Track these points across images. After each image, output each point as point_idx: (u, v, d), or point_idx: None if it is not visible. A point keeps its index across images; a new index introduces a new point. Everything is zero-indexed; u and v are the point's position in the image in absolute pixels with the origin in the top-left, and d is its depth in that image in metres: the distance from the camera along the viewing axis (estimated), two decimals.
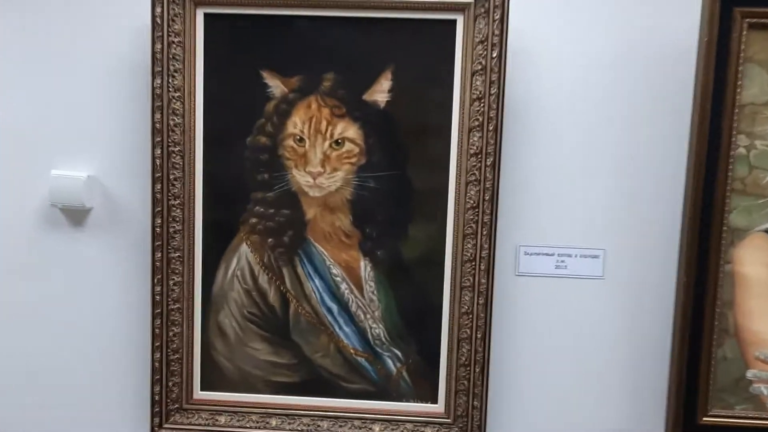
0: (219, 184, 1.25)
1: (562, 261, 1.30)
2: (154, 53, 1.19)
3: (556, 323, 1.30)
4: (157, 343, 1.26)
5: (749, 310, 1.24)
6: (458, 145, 1.20)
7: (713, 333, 1.24)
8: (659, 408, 1.29)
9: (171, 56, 1.19)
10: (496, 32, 1.15)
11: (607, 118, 1.25)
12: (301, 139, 1.23)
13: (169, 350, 1.27)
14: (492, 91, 1.17)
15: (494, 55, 1.16)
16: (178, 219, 1.24)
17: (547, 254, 1.29)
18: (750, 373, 1.25)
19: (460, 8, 1.17)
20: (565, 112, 1.26)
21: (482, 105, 1.18)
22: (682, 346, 1.24)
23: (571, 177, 1.27)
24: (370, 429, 1.27)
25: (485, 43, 1.17)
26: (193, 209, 1.25)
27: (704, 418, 1.26)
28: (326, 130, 1.22)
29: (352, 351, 1.28)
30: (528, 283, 1.30)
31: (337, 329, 1.28)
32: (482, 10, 1.16)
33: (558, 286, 1.30)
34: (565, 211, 1.28)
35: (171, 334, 1.27)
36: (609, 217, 1.28)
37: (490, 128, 1.18)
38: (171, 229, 1.24)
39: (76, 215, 1.30)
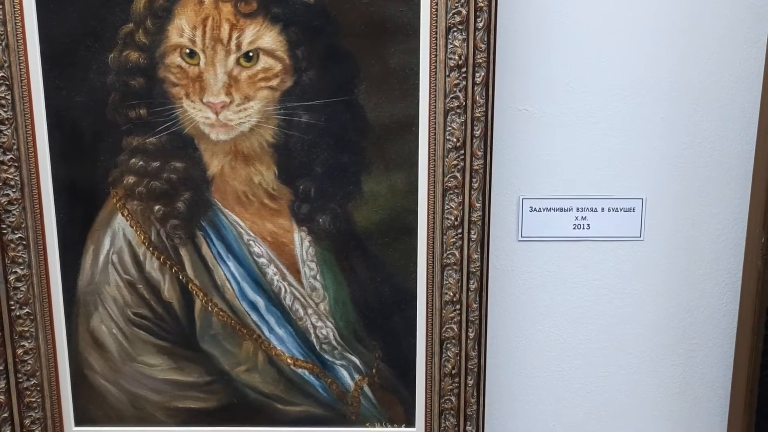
0: (72, 126, 0.83)
1: (584, 218, 0.92)
2: None
3: (576, 307, 0.93)
4: (0, 367, 0.86)
5: None
6: (431, 53, 0.80)
7: None
8: (720, 418, 0.95)
9: None
10: None
11: (658, 27, 0.85)
12: (192, 53, 0.81)
13: (19, 375, 0.87)
14: None
15: None
16: (12, 183, 0.82)
17: (561, 209, 0.91)
18: None
19: None
20: (577, 16, 0.85)
21: (462, 9, 0.77)
22: (751, 333, 0.89)
23: (598, 100, 0.87)
24: None
25: None
26: (36, 167, 0.83)
27: None
28: (229, 37, 0.80)
29: (289, 361, 0.90)
30: (536, 251, 0.92)
31: (266, 332, 0.89)
32: None
33: (578, 254, 0.92)
34: (586, 148, 0.89)
35: (21, 351, 0.86)
36: (650, 157, 0.89)
37: (479, 25, 0.77)
38: (4, 200, 0.83)
39: None
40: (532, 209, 0.92)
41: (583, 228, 0.92)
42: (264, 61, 0.81)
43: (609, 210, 0.92)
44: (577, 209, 0.92)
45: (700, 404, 0.96)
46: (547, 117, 0.88)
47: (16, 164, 0.82)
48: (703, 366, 0.95)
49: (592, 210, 0.92)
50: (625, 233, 0.92)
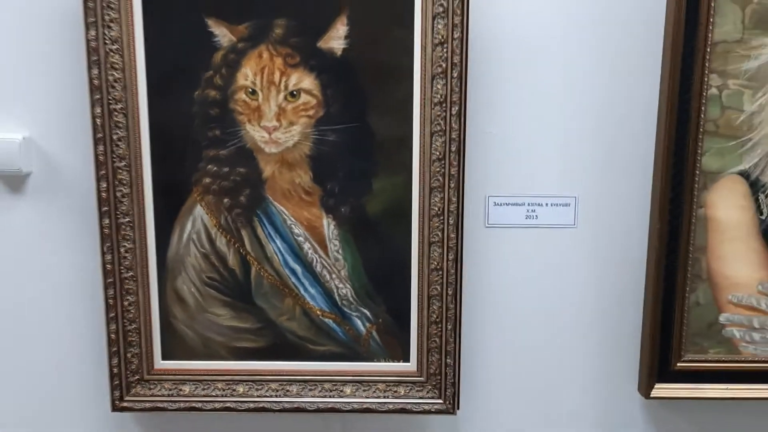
0: (167, 142, 1.16)
1: (533, 210, 1.25)
2: (85, 3, 1.09)
3: (528, 275, 1.26)
4: (112, 314, 1.19)
5: (722, 254, 1.22)
6: (421, 93, 1.13)
7: (686, 279, 1.22)
8: (633, 357, 1.28)
9: (105, 4, 1.09)
10: None
11: (577, 61, 1.19)
12: (254, 92, 1.15)
13: (125, 320, 1.20)
14: (455, 35, 1.10)
15: None
16: (125, 182, 1.16)
17: (516, 204, 1.25)
18: (723, 317, 1.24)
19: None
20: (534, 55, 1.19)
21: (445, 50, 1.11)
22: (656, 293, 1.22)
23: (541, 123, 1.21)
24: (341, 391, 1.23)
25: None
26: (141, 170, 1.16)
27: (678, 364, 1.25)
28: (280, 81, 1.14)
29: (318, 312, 1.23)
30: (498, 234, 1.25)
31: (302, 291, 1.22)
32: None
33: (529, 237, 1.25)
34: (534, 158, 1.23)
35: (126, 303, 1.20)
36: (580, 164, 1.23)
37: (455, 75, 1.11)
38: (118, 193, 1.16)
39: (13, 181, 1.20)
40: (495, 204, 1.25)
41: (533, 218, 1.26)
42: (304, 98, 1.15)
43: (551, 205, 1.25)
44: (528, 204, 1.25)
45: (619, 342, 1.29)
46: (506, 137, 1.22)
47: (128, 168, 1.16)
48: (619, 315, 1.28)
49: (539, 205, 1.25)
50: (563, 222, 1.25)
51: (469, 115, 1.16)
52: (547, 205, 1.25)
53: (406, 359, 1.24)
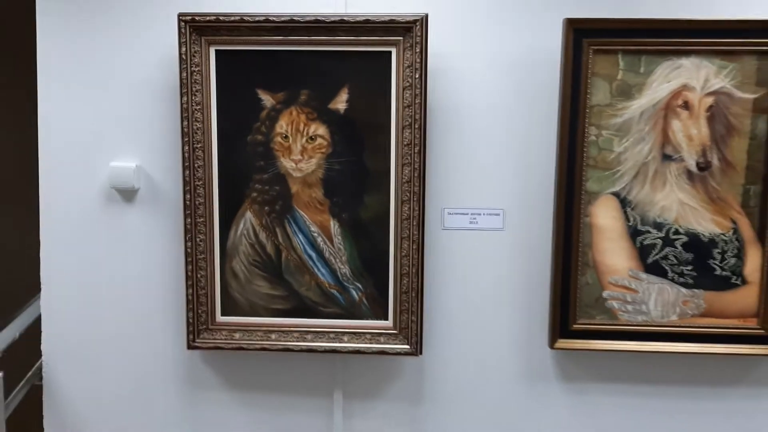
0: (229, 169, 1.76)
1: (474, 218, 1.82)
2: (181, 79, 1.71)
3: (471, 263, 1.83)
4: (190, 282, 1.79)
5: (603, 249, 1.77)
6: (396, 138, 1.72)
7: (578, 266, 1.77)
8: (544, 321, 1.82)
9: (193, 81, 1.71)
10: (418, 60, 1.67)
11: (502, 116, 1.77)
12: (286, 137, 1.74)
13: (198, 287, 1.80)
14: (417, 101, 1.69)
15: (417, 76, 1.67)
16: (201, 195, 1.76)
17: (463, 213, 1.82)
18: (606, 294, 1.79)
19: (394, 43, 1.68)
20: (472, 112, 1.78)
21: (411, 110, 1.70)
22: (558, 276, 1.77)
23: (479, 158, 1.79)
24: (341, 339, 1.81)
25: (411, 67, 1.68)
26: (212, 187, 1.76)
27: (574, 325, 1.79)
28: (303, 129, 1.74)
29: (327, 285, 1.81)
30: (451, 235, 1.82)
31: (316, 270, 1.80)
32: (408, 45, 1.67)
33: (472, 237, 1.82)
34: (475, 182, 1.80)
35: (199, 275, 1.80)
36: (505, 187, 1.80)
37: (417, 126, 1.70)
38: (197, 202, 1.76)
39: (128, 194, 1.82)
40: (449, 213, 1.82)
41: (475, 223, 1.82)
42: (319, 141, 1.74)
43: (487, 214, 1.81)
44: (471, 214, 1.82)
45: (534, 311, 1.83)
46: (456, 167, 1.79)
47: (203, 186, 1.75)
48: (534, 292, 1.82)
49: (479, 214, 1.82)
50: (495, 226, 1.81)
51: (428, 153, 1.75)
52: (484, 214, 1.82)
53: (386, 318, 1.81)
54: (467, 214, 1.82)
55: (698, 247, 1.75)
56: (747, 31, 1.66)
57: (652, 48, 1.68)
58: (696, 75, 1.69)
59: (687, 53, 1.68)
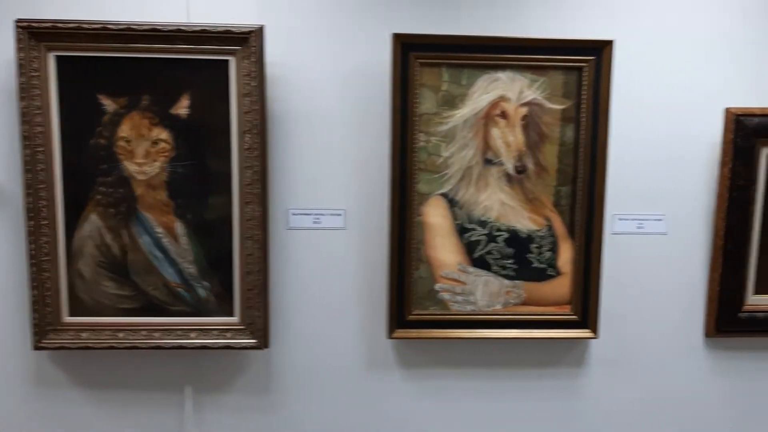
0: (73, 172, 1.80)
1: (318, 218, 1.93)
2: (20, 84, 1.72)
3: (315, 260, 1.94)
4: (35, 284, 1.81)
5: (434, 245, 1.92)
6: (237, 143, 1.81)
7: (412, 261, 1.92)
8: (383, 312, 1.96)
9: (32, 86, 1.73)
10: (254, 69, 1.76)
11: (340, 123, 1.89)
12: (129, 141, 1.79)
13: (43, 289, 1.82)
14: (255, 107, 1.78)
15: (254, 84, 1.77)
16: (44, 197, 1.78)
17: (306, 214, 1.93)
18: (438, 286, 1.94)
19: (232, 53, 1.77)
20: (314, 119, 1.89)
21: (251, 116, 1.79)
22: (393, 270, 1.91)
23: (321, 162, 1.90)
24: (189, 335, 1.87)
25: (249, 76, 1.77)
26: (54, 190, 1.79)
27: (410, 316, 1.94)
28: (146, 134, 1.79)
29: (174, 284, 1.87)
30: (296, 234, 1.93)
31: (163, 270, 1.86)
32: (246, 54, 1.76)
33: (316, 236, 1.93)
34: (318, 185, 1.92)
35: (43, 277, 1.82)
36: (346, 189, 1.92)
37: (256, 132, 1.79)
38: (40, 205, 1.78)
39: None
40: (293, 214, 1.92)
41: (319, 223, 1.93)
42: (162, 145, 1.80)
43: (329, 215, 1.93)
44: (315, 214, 1.93)
45: (374, 303, 1.97)
46: (299, 170, 1.90)
47: (46, 189, 1.78)
48: (373, 285, 1.95)
49: (322, 215, 1.93)
50: (337, 226, 1.93)
51: (271, 156, 1.84)
52: (326, 214, 1.93)
53: (233, 314, 1.89)
54: (311, 214, 1.93)
55: (518, 242, 1.94)
56: (554, 49, 1.85)
57: (472, 62, 1.84)
58: (511, 87, 1.87)
59: (503, 67, 1.86)
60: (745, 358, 2.05)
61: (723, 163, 1.93)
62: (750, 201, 1.95)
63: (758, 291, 2.00)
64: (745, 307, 2.00)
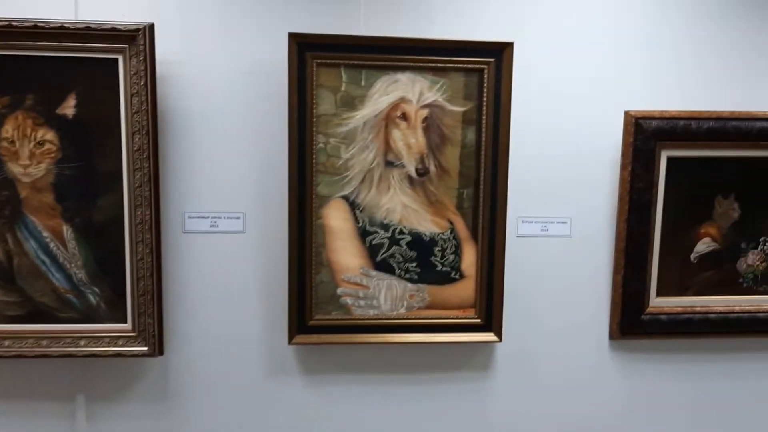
0: None
1: (215, 222, 1.88)
2: None
3: (213, 263, 1.89)
4: None
5: (336, 248, 1.89)
6: (126, 144, 1.75)
7: (313, 265, 1.88)
8: (284, 315, 1.91)
9: None
10: (142, 68, 1.70)
11: (239, 124, 1.85)
12: (13, 142, 1.72)
13: None
14: (144, 107, 1.72)
15: (143, 83, 1.71)
16: None
17: (204, 217, 1.88)
18: (340, 290, 1.91)
19: (120, 51, 1.71)
20: (210, 120, 1.84)
21: (140, 116, 1.73)
22: (293, 274, 1.87)
23: (219, 164, 1.86)
24: (78, 343, 1.81)
25: (138, 75, 1.71)
26: None
27: (311, 321, 1.90)
28: (31, 134, 1.73)
29: (63, 290, 1.80)
30: (192, 238, 1.88)
31: (51, 275, 1.79)
32: (134, 53, 1.71)
33: (214, 240, 1.88)
34: (216, 187, 1.87)
35: None
36: (245, 191, 1.88)
37: (145, 132, 1.74)
38: None
39: None
40: (189, 217, 1.87)
41: (216, 227, 1.88)
42: (47, 146, 1.73)
43: (227, 218, 1.88)
44: (212, 218, 1.88)
45: (275, 308, 1.92)
46: (196, 172, 1.85)
47: None
48: (273, 289, 1.91)
49: (220, 218, 1.88)
50: (236, 229, 1.89)
51: (166, 158, 1.79)
52: (224, 218, 1.88)
53: (125, 321, 1.83)
54: (208, 217, 1.88)
55: (421, 245, 1.91)
56: (454, 51, 1.83)
57: (371, 63, 1.82)
58: (412, 89, 1.84)
59: (403, 69, 1.83)
60: (648, 360, 2.07)
61: (623, 166, 1.94)
62: (650, 203, 1.96)
63: (661, 293, 2.02)
64: (648, 310, 2.02)
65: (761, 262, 2.06)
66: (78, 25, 1.68)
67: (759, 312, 2.06)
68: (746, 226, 2.03)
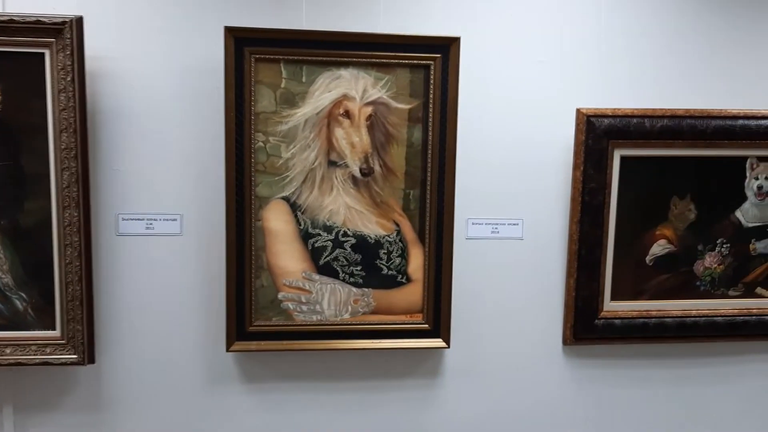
0: None
1: (150, 224, 1.81)
2: None
3: (149, 268, 1.82)
4: None
5: (276, 252, 1.82)
6: (53, 142, 1.67)
7: (252, 269, 1.81)
8: (222, 321, 1.84)
9: None
10: (69, 63, 1.63)
11: (175, 122, 1.78)
12: None
13: None
14: (71, 104, 1.65)
15: (70, 79, 1.64)
16: None
17: (139, 219, 1.80)
18: (281, 295, 1.84)
19: (46, 45, 1.63)
20: (144, 118, 1.76)
21: (67, 114, 1.66)
22: (231, 278, 1.80)
23: (154, 164, 1.78)
24: (4, 351, 1.72)
25: (65, 70, 1.64)
26: None
27: (251, 327, 1.83)
28: None
29: None
30: (127, 241, 1.80)
31: None
32: (61, 47, 1.63)
33: (149, 242, 1.81)
34: (151, 188, 1.79)
35: None
36: (182, 192, 1.80)
37: (73, 130, 1.66)
38: None
39: None
40: (123, 219, 1.79)
41: (151, 228, 1.81)
42: None
43: (163, 220, 1.81)
44: (147, 219, 1.80)
45: (210, 314, 1.85)
46: (130, 173, 1.77)
47: None
48: (212, 294, 1.84)
49: (155, 220, 1.81)
50: (173, 231, 1.81)
51: (97, 158, 1.72)
52: (160, 220, 1.81)
53: (53, 328, 1.75)
54: (143, 219, 1.80)
55: (366, 248, 1.85)
56: (399, 46, 1.77)
57: (311, 58, 1.75)
58: (355, 85, 1.78)
59: (345, 64, 1.77)
60: (602, 365, 2.00)
61: (575, 166, 1.89)
62: (603, 205, 1.90)
63: (615, 297, 1.97)
64: (602, 314, 1.96)
65: (719, 265, 2.01)
66: (1, 18, 1.60)
67: (716, 316, 2.02)
68: (703, 227, 1.98)
